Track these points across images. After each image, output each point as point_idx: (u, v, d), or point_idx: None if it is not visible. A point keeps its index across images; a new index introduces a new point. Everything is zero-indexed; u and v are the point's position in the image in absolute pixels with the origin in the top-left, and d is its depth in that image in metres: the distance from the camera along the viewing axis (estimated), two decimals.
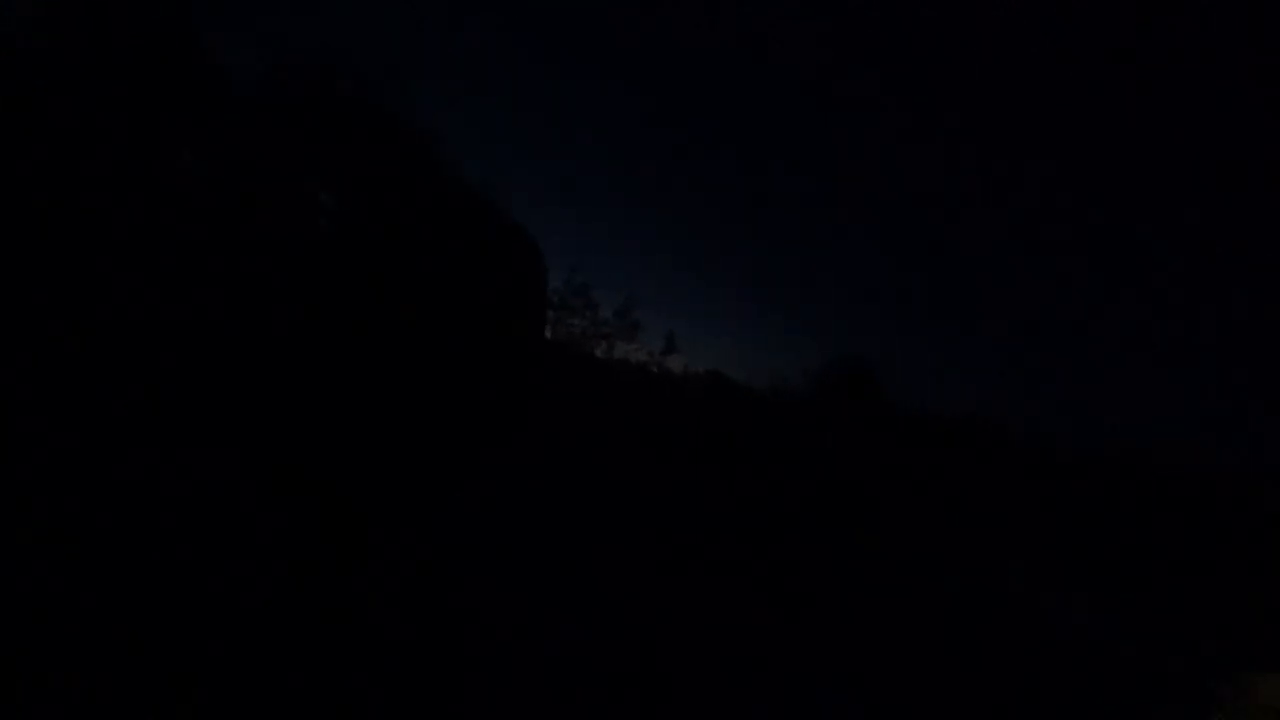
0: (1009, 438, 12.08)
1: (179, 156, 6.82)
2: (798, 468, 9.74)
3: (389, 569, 3.81)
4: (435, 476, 6.02)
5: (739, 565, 6.23)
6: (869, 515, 8.91)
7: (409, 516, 4.86)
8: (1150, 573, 9.00)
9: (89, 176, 5.70)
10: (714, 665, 3.98)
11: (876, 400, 10.97)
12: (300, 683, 2.65)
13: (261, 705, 2.57)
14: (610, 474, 9.36)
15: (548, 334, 16.28)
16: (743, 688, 3.81)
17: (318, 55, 9.60)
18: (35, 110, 5.51)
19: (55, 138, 5.58)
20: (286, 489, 4.53)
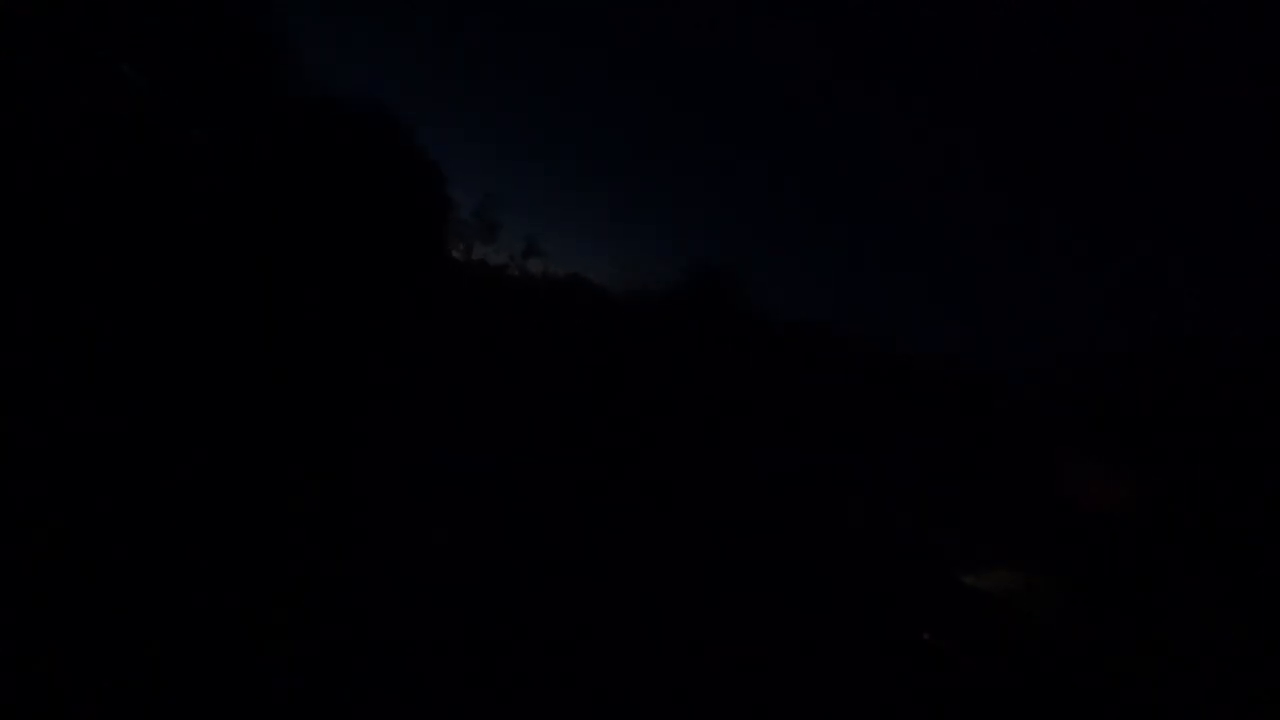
0: (845, 342, 12.99)
1: None
2: (653, 372, 9.67)
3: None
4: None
5: (593, 459, 6.09)
6: (712, 412, 9.12)
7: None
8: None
9: None
10: (570, 551, 3.88)
11: (735, 307, 11.08)
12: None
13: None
14: (475, 384, 8.78)
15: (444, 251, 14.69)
16: (592, 568, 3.77)
17: None
18: None
19: None
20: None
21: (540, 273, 12.70)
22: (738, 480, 6.47)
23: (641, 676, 2.67)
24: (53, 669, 1.77)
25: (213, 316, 5.48)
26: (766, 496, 6.09)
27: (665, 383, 10.05)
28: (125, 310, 4.89)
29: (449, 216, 15.08)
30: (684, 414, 8.74)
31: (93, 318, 4.47)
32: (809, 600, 3.89)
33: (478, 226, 15.36)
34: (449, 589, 2.76)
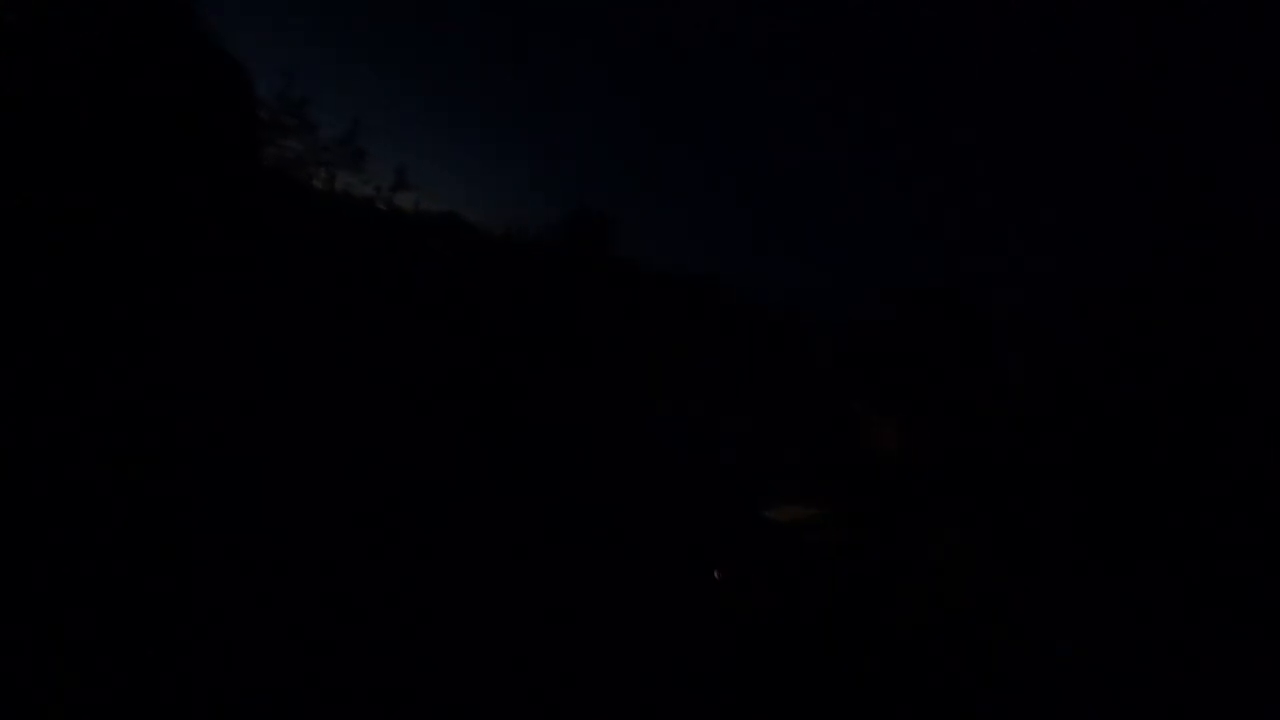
0: (720, 295, 13.77)
1: None
2: (528, 317, 9.76)
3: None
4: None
5: (462, 414, 6.13)
6: (586, 364, 9.44)
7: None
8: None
9: None
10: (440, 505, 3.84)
11: (610, 253, 11.29)
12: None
13: None
14: (327, 326, 8.32)
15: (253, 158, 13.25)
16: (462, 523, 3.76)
17: None
18: None
19: None
20: None
21: (412, 208, 12.08)
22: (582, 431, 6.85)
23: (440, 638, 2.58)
24: None
25: None
26: (600, 447, 6.51)
27: (547, 333, 10.19)
28: None
29: (251, 117, 13.77)
30: (560, 367, 8.98)
31: None
32: (611, 547, 4.20)
33: (342, 153, 14.27)
34: (285, 586, 2.57)
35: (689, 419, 9.16)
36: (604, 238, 11.05)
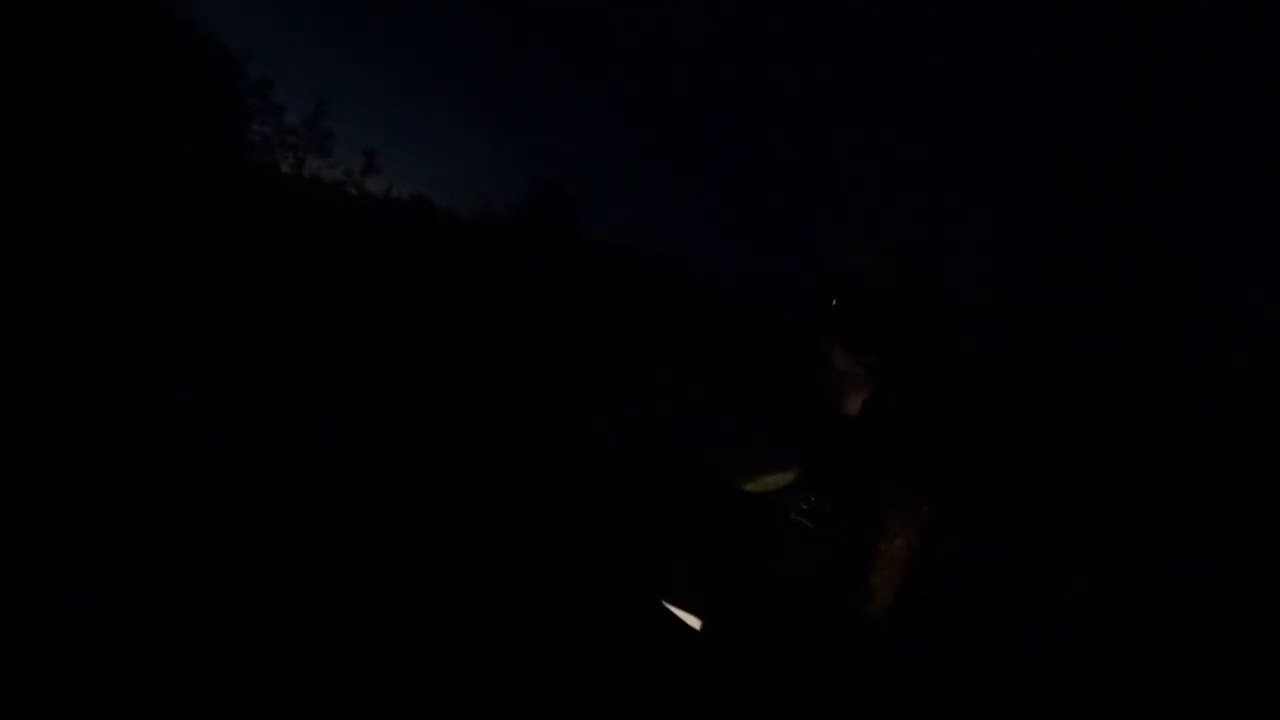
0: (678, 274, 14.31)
1: None
2: (495, 299, 10.14)
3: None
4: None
5: (432, 398, 6.22)
6: (552, 345, 9.77)
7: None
8: None
9: None
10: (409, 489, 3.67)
11: (574, 232, 11.72)
12: None
13: None
14: (300, 311, 8.49)
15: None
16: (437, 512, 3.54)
17: None
18: None
19: None
20: None
21: (382, 193, 12.28)
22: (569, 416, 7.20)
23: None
24: None
25: None
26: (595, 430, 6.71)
27: (519, 316, 10.49)
28: None
29: (263, 120, 13.69)
30: (536, 348, 9.37)
31: None
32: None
33: (310, 137, 14.28)
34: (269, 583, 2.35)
35: (656, 397, 9.70)
36: (569, 214, 11.47)
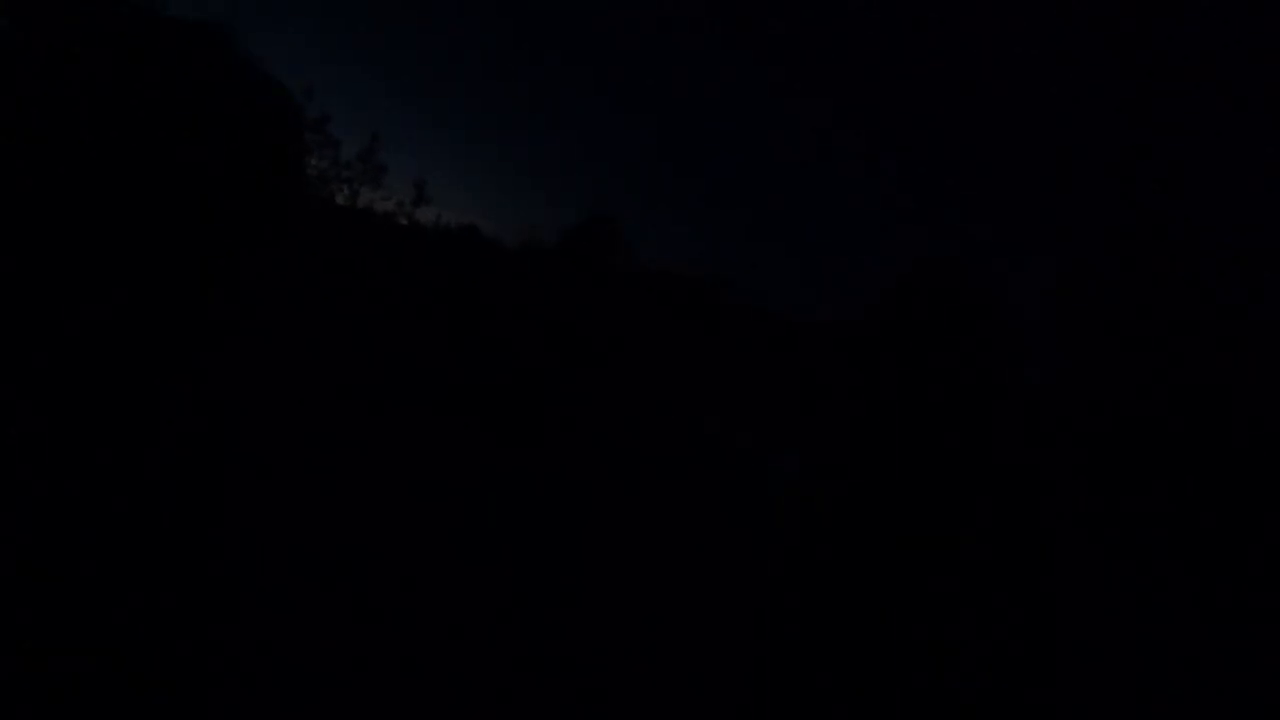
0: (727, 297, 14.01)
1: None
2: (542, 326, 10.06)
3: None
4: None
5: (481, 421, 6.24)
6: (599, 371, 9.67)
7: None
8: None
9: None
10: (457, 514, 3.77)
11: (622, 257, 11.54)
12: None
13: None
14: (355, 338, 8.67)
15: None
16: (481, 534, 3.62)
17: None
18: None
19: None
20: None
21: (432, 222, 12.46)
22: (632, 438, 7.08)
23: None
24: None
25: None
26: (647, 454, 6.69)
27: (565, 338, 10.46)
28: None
29: (319, 154, 14.13)
30: (586, 379, 9.24)
31: None
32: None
33: (364, 170, 14.68)
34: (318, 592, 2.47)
35: (702, 418, 9.41)
36: (617, 242, 11.33)
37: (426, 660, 2.46)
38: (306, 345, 7.27)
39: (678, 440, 8.33)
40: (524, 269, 11.74)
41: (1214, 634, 5.23)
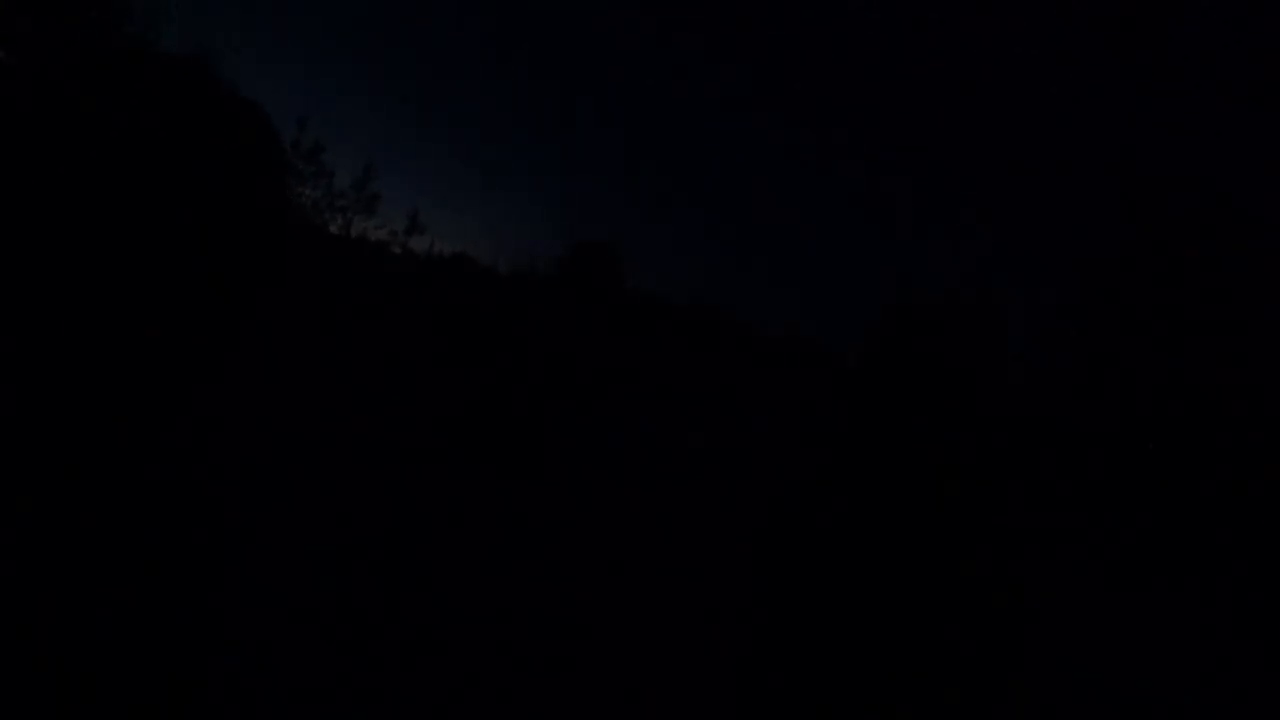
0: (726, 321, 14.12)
1: None
2: (536, 356, 10.02)
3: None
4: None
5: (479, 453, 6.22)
6: (597, 398, 9.60)
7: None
8: None
9: None
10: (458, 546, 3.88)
11: (616, 283, 11.58)
12: None
13: None
14: (356, 368, 8.64)
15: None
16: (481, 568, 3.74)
17: None
18: None
19: None
20: None
21: (425, 251, 12.50)
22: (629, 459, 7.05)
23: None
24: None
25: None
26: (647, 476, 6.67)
27: (560, 371, 10.44)
28: None
29: (313, 183, 14.18)
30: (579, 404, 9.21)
31: None
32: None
33: (358, 199, 14.73)
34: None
35: (700, 437, 9.36)
36: (612, 266, 11.37)
37: (432, 663, 2.58)
38: (298, 371, 7.21)
39: (669, 456, 8.31)
40: (517, 296, 11.77)
41: (1208, 637, 5.32)
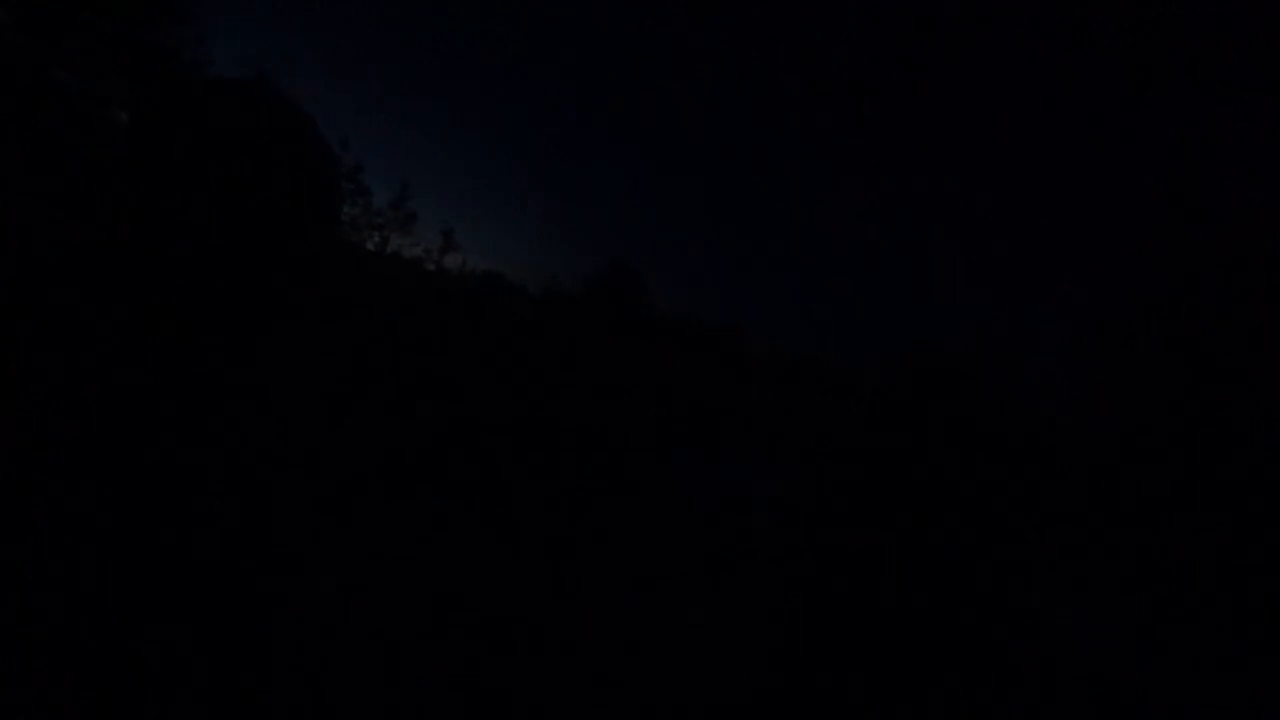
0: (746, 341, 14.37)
1: None
2: (563, 374, 10.36)
3: None
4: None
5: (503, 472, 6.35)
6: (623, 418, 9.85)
7: None
8: None
9: None
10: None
11: (640, 304, 11.93)
12: None
13: None
14: (388, 382, 8.96)
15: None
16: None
17: None
18: None
19: None
20: None
21: (458, 268, 12.98)
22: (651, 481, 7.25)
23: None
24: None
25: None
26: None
27: (586, 387, 10.69)
28: None
29: (354, 201, 14.76)
30: (601, 420, 9.48)
31: None
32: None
33: (395, 217, 15.28)
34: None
35: (719, 453, 9.57)
36: (637, 288, 11.74)
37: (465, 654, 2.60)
38: (329, 378, 7.55)
39: (679, 467, 8.49)
40: (546, 313, 12.15)
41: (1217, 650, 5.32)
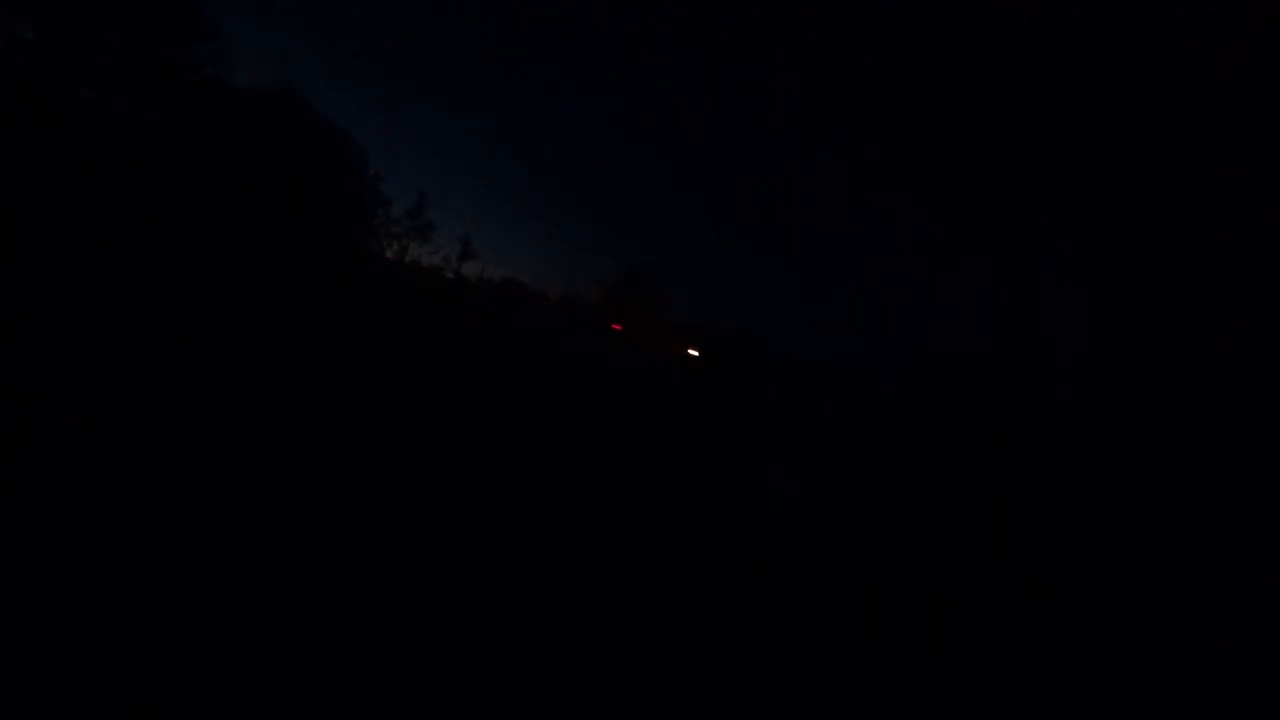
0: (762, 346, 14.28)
1: None
2: (586, 377, 10.35)
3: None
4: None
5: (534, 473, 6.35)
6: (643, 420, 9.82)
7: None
8: None
9: None
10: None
11: (659, 309, 11.94)
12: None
13: None
14: (407, 385, 9.01)
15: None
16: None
17: None
18: None
19: None
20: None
21: (477, 276, 13.12)
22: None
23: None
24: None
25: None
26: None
27: (605, 390, 10.67)
28: None
29: (373, 210, 14.96)
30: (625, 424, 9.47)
31: None
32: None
33: (413, 226, 15.46)
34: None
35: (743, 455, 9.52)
36: (652, 292, 11.77)
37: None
38: (348, 377, 7.62)
39: (699, 465, 8.47)
40: (565, 319, 12.22)
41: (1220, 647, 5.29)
